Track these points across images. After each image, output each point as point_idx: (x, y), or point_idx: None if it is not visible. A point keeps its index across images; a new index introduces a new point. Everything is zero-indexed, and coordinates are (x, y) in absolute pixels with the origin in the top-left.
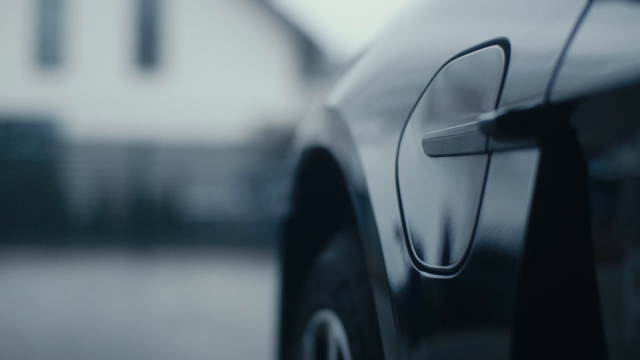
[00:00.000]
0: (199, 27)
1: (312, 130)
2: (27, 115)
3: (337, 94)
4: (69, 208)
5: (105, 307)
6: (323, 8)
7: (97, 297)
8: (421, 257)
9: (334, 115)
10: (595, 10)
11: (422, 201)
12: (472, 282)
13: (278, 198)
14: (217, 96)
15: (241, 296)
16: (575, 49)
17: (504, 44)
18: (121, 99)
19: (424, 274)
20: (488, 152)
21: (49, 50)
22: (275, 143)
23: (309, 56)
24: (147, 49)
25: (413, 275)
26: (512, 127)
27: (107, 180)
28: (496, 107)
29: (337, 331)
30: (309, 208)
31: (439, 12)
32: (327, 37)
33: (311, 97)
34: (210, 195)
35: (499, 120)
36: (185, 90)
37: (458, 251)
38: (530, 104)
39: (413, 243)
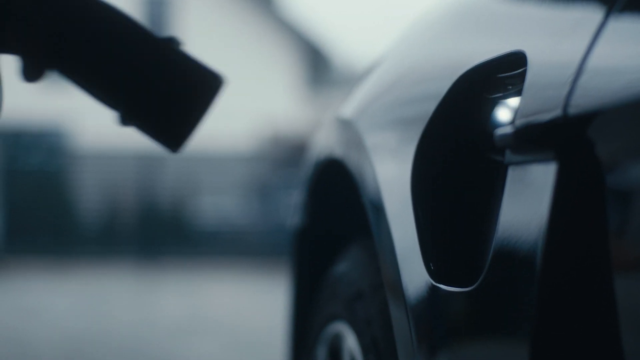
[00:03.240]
0: (207, 36)
1: (325, 141)
2: (35, 126)
3: (351, 105)
4: (77, 218)
5: (114, 316)
6: (331, 18)
7: (106, 306)
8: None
9: (348, 126)
10: (612, 24)
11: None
12: (490, 295)
13: (291, 209)
14: (225, 105)
15: (250, 306)
16: (592, 62)
17: (520, 56)
18: None
19: (441, 285)
20: (506, 164)
21: None
22: (283, 152)
23: (317, 66)
24: None
25: (429, 287)
26: (529, 140)
27: (115, 189)
28: (513, 120)
29: (351, 343)
30: (322, 219)
31: (454, 25)
32: (334, 46)
33: (319, 106)
34: (219, 204)
35: (516, 133)
36: None
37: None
38: (548, 117)
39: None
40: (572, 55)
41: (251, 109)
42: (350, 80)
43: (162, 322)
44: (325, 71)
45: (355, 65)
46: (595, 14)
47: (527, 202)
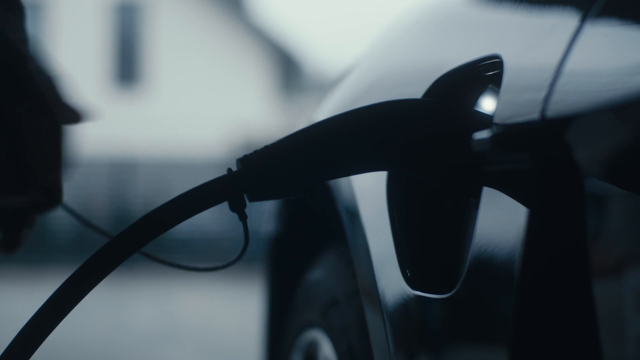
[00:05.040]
0: (179, 44)
1: None
2: None
3: (325, 111)
4: (49, 225)
5: (89, 323)
6: (302, 24)
7: (79, 313)
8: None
9: None
10: (588, 28)
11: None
12: (468, 301)
13: (263, 215)
14: (197, 112)
15: (224, 312)
16: (570, 65)
17: (497, 60)
18: (101, 116)
19: (417, 292)
20: (483, 169)
21: None
22: None
23: (288, 72)
24: (127, 66)
25: (406, 294)
26: (506, 145)
27: (87, 197)
28: (490, 124)
29: (326, 350)
30: (297, 226)
31: (429, 30)
32: (306, 52)
33: (291, 112)
34: None
35: (493, 137)
36: (166, 107)
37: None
38: (525, 120)
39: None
40: (549, 59)
41: (223, 115)
42: (322, 86)
43: (137, 329)
44: (297, 77)
45: (326, 71)
46: (571, 19)
47: (504, 207)
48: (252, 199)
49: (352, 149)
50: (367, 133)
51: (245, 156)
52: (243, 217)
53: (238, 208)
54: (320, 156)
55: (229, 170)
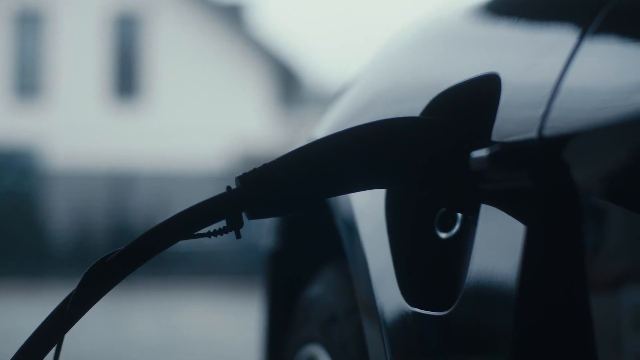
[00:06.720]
0: (178, 56)
1: None
2: (6, 147)
3: (325, 126)
4: (49, 239)
5: (89, 336)
6: (301, 38)
7: (79, 327)
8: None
9: None
10: (586, 47)
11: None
12: (465, 319)
13: (263, 228)
14: (196, 125)
15: (225, 325)
16: (568, 83)
17: (495, 79)
18: (101, 129)
19: (416, 309)
20: (481, 187)
21: (27, 81)
22: None
23: (288, 85)
24: (126, 78)
25: (404, 311)
26: (504, 164)
27: (87, 210)
28: (488, 143)
29: None
30: (296, 241)
31: (429, 47)
32: (305, 66)
33: (290, 125)
34: None
35: (490, 156)
36: (165, 119)
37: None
38: (523, 138)
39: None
40: (547, 77)
41: (222, 128)
42: (321, 99)
43: (138, 342)
44: (296, 90)
45: (325, 84)
46: (569, 36)
47: (503, 224)
48: (251, 217)
49: (352, 168)
50: (367, 152)
51: (245, 174)
52: (239, 236)
53: (236, 226)
54: (320, 175)
55: (228, 188)
